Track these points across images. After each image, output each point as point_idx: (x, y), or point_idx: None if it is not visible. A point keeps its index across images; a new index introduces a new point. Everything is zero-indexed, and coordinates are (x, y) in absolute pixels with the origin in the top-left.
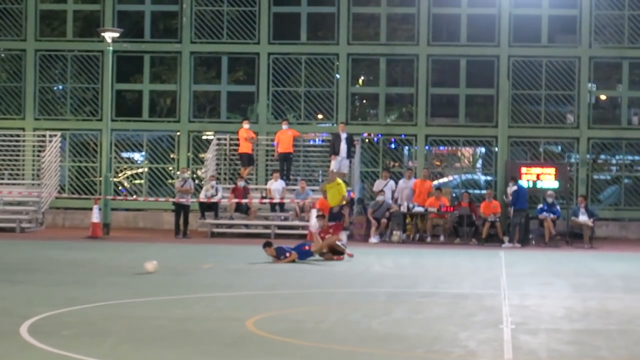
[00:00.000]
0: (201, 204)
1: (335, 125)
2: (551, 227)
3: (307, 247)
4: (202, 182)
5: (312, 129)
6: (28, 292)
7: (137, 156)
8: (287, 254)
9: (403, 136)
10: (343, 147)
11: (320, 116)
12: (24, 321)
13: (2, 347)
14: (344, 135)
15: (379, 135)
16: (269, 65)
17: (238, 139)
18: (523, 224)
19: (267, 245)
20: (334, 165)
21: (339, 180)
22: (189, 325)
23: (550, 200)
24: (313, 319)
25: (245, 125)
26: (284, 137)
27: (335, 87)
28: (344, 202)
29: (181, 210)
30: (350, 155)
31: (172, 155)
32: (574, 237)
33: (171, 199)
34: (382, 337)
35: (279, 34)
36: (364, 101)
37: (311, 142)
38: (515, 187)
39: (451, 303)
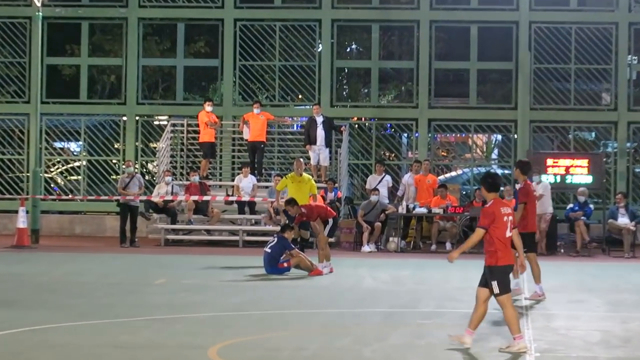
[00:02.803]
0: (153, 204)
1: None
2: (584, 233)
3: (284, 265)
4: (155, 179)
5: (290, 113)
6: None
7: (73, 146)
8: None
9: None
10: (320, 133)
11: (300, 97)
12: None
13: None
14: (320, 119)
15: (372, 120)
16: (236, 35)
17: (198, 125)
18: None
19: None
20: (312, 157)
21: (307, 177)
22: (138, 354)
23: (582, 199)
24: (290, 346)
25: (208, 107)
26: (256, 123)
27: (317, 61)
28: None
29: (127, 212)
30: (329, 143)
31: (116, 146)
32: (612, 244)
33: (115, 198)
34: None
35: None
36: (353, 78)
37: (288, 129)
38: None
39: (460, 325)
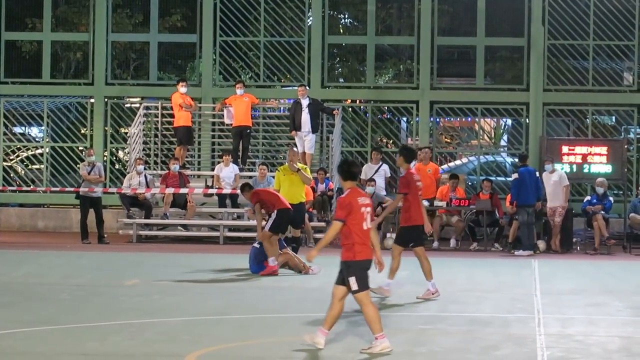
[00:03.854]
0: (124, 197)
1: (307, 88)
2: (602, 228)
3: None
4: (126, 168)
5: (276, 94)
6: None
7: (35, 132)
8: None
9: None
10: (305, 118)
11: (287, 76)
12: None
13: None
14: (305, 102)
15: (368, 103)
16: (216, 7)
17: (172, 108)
18: (533, 225)
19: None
20: (298, 145)
21: (301, 164)
22: None
23: (600, 190)
24: (276, 355)
25: (182, 89)
26: (239, 106)
27: (306, 36)
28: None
29: (88, 205)
30: (316, 128)
31: (83, 131)
32: (634, 240)
33: (81, 190)
34: None
35: None
36: (346, 56)
37: (275, 112)
38: (516, 175)
39: (466, 331)
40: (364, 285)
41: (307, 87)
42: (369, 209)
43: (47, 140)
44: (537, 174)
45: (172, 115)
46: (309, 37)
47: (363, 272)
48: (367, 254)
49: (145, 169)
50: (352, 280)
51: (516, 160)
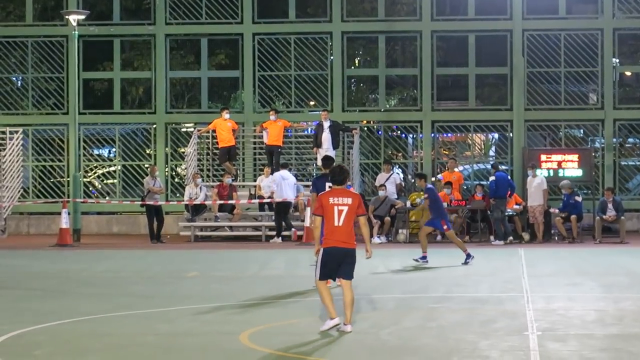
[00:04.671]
0: (186, 206)
1: (329, 112)
2: (574, 228)
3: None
4: (184, 181)
5: (304, 118)
6: None
7: (107, 153)
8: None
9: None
10: (326, 137)
11: (312, 103)
12: None
13: None
14: (327, 124)
15: (380, 123)
16: (254, 47)
17: (215, 131)
18: (505, 219)
19: None
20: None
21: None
22: (177, 341)
23: (567, 192)
24: (314, 331)
25: (225, 115)
26: (273, 129)
27: (329, 69)
28: None
29: (152, 212)
30: (335, 145)
31: (147, 151)
32: (603, 230)
33: (142, 203)
34: (393, 349)
35: (264, 11)
36: (362, 85)
37: (304, 132)
38: (493, 178)
39: (468, 309)
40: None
41: (329, 111)
42: (343, 207)
43: (119, 159)
44: (509, 177)
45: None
46: (331, 71)
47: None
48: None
49: (202, 181)
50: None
51: (504, 167)
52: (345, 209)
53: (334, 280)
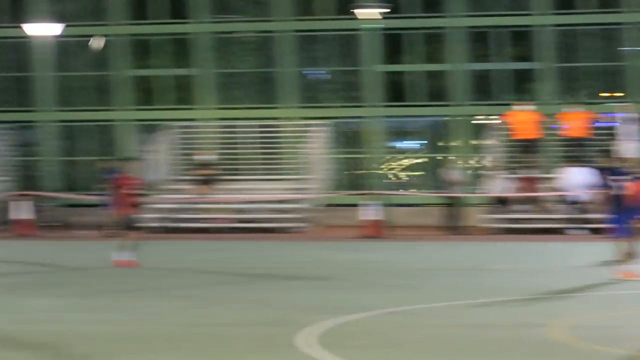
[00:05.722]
0: (494, 198)
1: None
2: None
3: None
4: (482, 173)
5: (604, 110)
6: (303, 299)
7: (408, 145)
8: None
9: None
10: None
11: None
12: (299, 331)
13: None
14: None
15: None
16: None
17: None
18: None
19: None
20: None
21: None
22: (489, 333)
23: None
24: (635, 324)
25: (526, 107)
26: (577, 121)
27: None
28: None
29: (454, 204)
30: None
31: (439, 143)
32: None
33: (439, 194)
34: None
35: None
36: None
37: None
38: None
39: None
40: None
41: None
42: None
43: (421, 151)
44: None
45: (518, 129)
46: None
47: None
48: None
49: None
50: None
51: None
52: None
53: None
